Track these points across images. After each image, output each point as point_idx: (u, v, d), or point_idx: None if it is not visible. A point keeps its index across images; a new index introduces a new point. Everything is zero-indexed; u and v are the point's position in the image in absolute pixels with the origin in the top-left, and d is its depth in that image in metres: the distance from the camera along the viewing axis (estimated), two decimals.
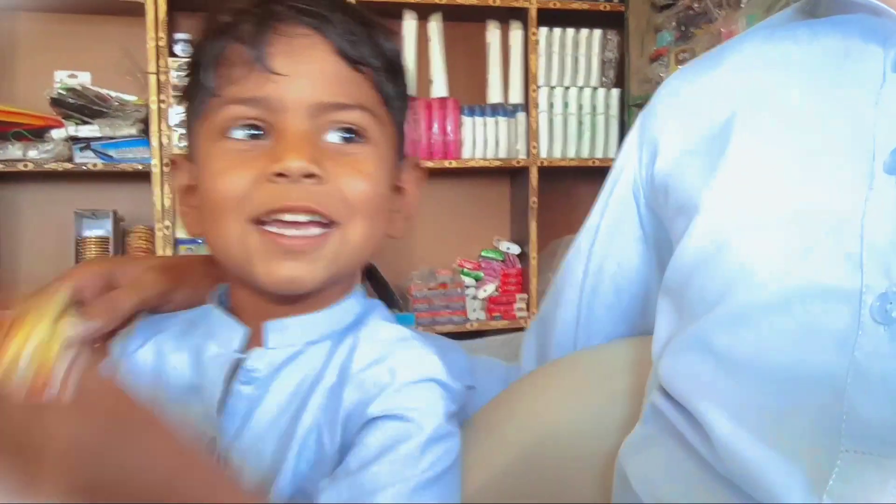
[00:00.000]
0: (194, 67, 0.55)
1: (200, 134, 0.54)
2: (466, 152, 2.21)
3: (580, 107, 2.30)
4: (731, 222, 0.51)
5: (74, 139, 1.94)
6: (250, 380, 0.54)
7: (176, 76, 1.93)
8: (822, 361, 0.46)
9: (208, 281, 0.61)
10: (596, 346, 0.70)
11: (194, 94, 0.55)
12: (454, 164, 2.19)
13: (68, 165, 1.94)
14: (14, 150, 1.91)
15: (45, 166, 1.92)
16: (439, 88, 2.20)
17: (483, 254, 2.33)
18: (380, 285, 2.64)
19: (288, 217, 0.51)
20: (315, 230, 0.52)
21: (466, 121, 2.21)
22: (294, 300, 0.54)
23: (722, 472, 0.49)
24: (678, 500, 0.52)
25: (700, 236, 0.53)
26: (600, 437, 0.63)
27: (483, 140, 2.22)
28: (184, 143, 0.58)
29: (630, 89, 2.34)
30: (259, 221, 0.51)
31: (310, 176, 0.50)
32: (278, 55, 0.52)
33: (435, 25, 2.19)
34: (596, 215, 0.69)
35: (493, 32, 2.26)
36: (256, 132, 0.52)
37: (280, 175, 0.50)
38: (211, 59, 0.53)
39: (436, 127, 2.18)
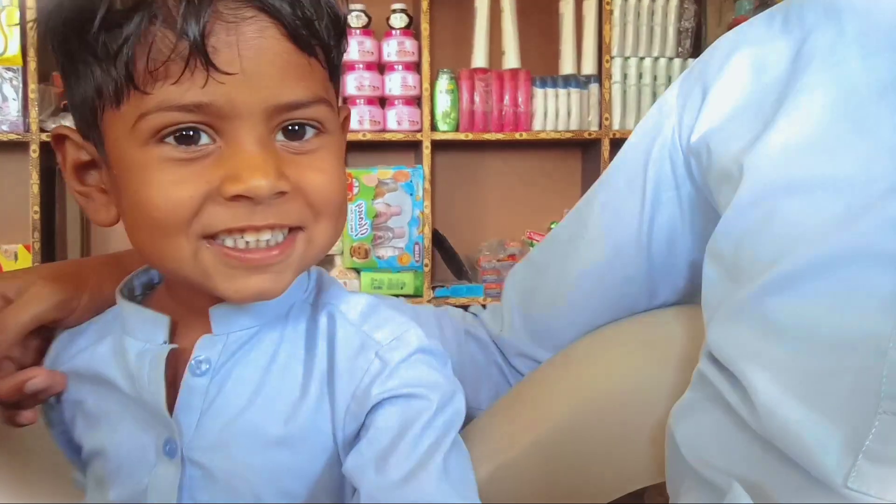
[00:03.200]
0: (85, 34, 0.44)
1: (113, 124, 0.46)
2: (538, 124, 2.21)
3: (655, 78, 2.25)
4: (779, 188, 0.52)
5: None
6: (202, 371, 0.50)
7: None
8: (865, 324, 0.46)
9: (111, 282, 0.56)
10: (648, 312, 0.70)
11: (89, 69, 0.45)
12: (525, 136, 2.19)
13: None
14: None
15: None
16: (511, 60, 2.20)
17: (553, 226, 2.32)
18: (448, 255, 2.70)
19: (250, 238, 0.46)
20: (278, 237, 0.47)
21: (538, 92, 2.20)
22: None
23: (764, 435, 0.50)
24: (723, 465, 0.53)
25: (747, 204, 0.53)
26: (654, 404, 0.64)
27: (555, 112, 2.21)
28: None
29: None
30: (212, 237, 0.46)
31: (277, 194, 0.45)
32: (222, 47, 0.43)
33: None
34: (626, 175, 0.68)
35: (566, 3, 2.23)
36: (200, 140, 0.45)
37: (240, 197, 0.44)
38: (125, 37, 0.43)
39: (507, 99, 2.18)
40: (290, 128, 0.47)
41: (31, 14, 1.95)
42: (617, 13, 2.21)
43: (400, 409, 0.49)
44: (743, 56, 0.60)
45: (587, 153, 2.37)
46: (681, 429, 0.58)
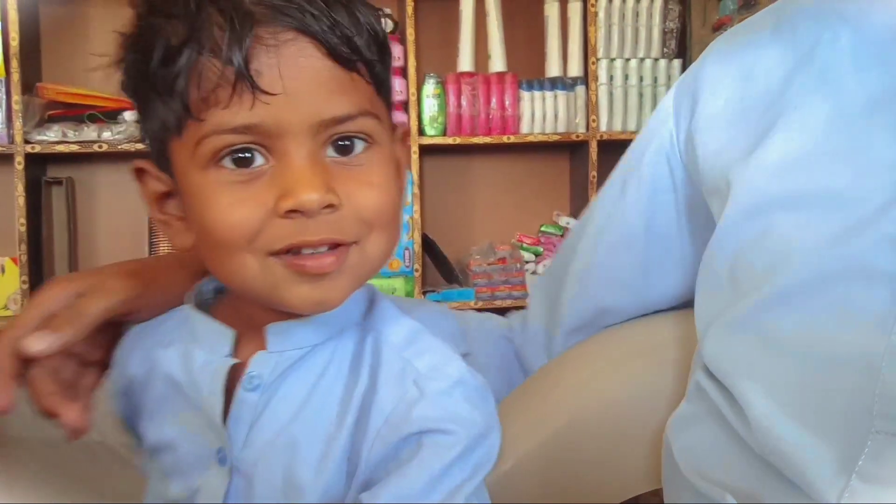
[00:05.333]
0: (150, 75, 0.47)
1: (178, 152, 0.49)
2: (525, 127, 2.21)
3: (641, 79, 2.26)
4: (774, 203, 0.51)
5: None
6: (254, 386, 0.52)
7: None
8: (859, 342, 0.46)
9: (181, 280, 0.59)
10: (644, 318, 0.70)
11: (155, 104, 0.48)
12: (512, 139, 2.19)
13: (140, 146, 2.01)
14: (89, 132, 1.99)
15: (119, 147, 2.00)
16: (497, 63, 2.20)
17: (542, 229, 2.33)
18: (439, 260, 2.70)
19: (308, 251, 0.47)
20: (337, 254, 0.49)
21: (525, 95, 2.20)
22: None
23: (757, 451, 0.50)
24: (719, 478, 0.53)
25: (742, 217, 0.53)
26: (649, 410, 0.64)
27: (542, 114, 2.21)
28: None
29: (692, 60, 2.28)
30: (277, 253, 0.48)
31: (327, 206, 0.47)
32: (265, 70, 0.45)
33: (492, 0, 2.19)
34: (622, 177, 0.68)
35: (551, 5, 2.24)
36: (254, 161, 0.47)
37: (294, 211, 0.46)
38: (178, 70, 0.46)
39: (494, 102, 2.19)
40: (339, 142, 0.48)
41: (12, 26, 1.93)
42: (602, 15, 2.22)
43: (430, 444, 0.49)
44: (732, 62, 0.59)
45: (575, 155, 2.37)
46: (678, 441, 0.58)
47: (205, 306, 0.57)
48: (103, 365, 0.59)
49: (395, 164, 0.52)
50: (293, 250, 0.47)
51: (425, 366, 0.51)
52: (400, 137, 0.55)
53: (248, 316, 0.53)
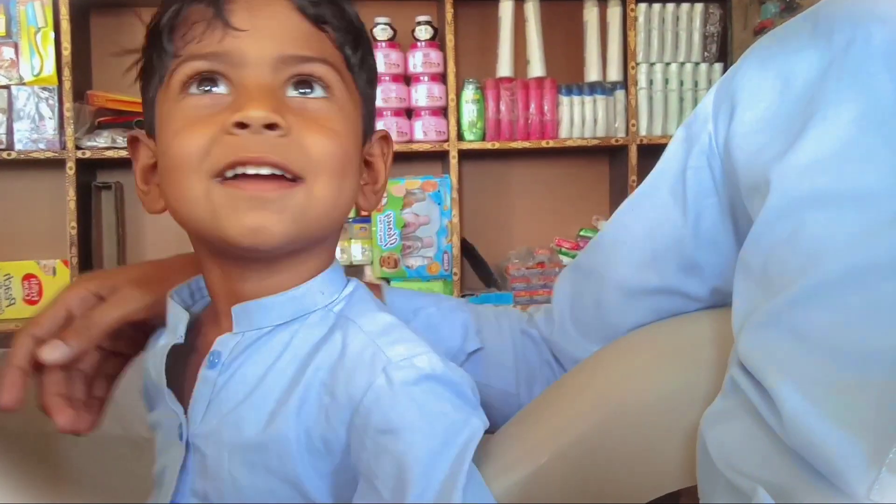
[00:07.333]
0: (153, 36, 0.53)
1: (161, 101, 0.53)
2: (564, 132, 2.21)
3: (681, 83, 2.25)
4: (806, 201, 0.52)
5: None
6: (213, 364, 0.54)
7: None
8: (889, 336, 0.46)
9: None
10: (679, 317, 0.70)
11: (154, 63, 0.54)
12: (552, 143, 2.20)
13: None
14: None
15: None
16: (536, 69, 2.21)
17: (581, 233, 2.32)
18: (477, 264, 2.71)
19: (251, 170, 0.49)
20: (279, 183, 0.50)
21: (564, 100, 2.21)
22: (262, 274, 0.53)
23: (790, 445, 0.50)
24: (752, 471, 0.53)
25: (775, 216, 0.54)
26: (685, 407, 0.64)
27: (581, 119, 2.21)
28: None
29: (733, 64, 2.27)
30: (222, 177, 0.49)
31: (271, 127, 0.49)
32: (238, 10, 0.51)
33: (531, 6, 2.20)
34: (659, 180, 0.69)
35: (590, 10, 2.24)
36: (216, 87, 0.51)
37: (240, 125, 0.49)
38: (170, 21, 0.52)
39: (532, 107, 2.19)
40: (299, 85, 0.52)
41: (65, 36, 2.00)
42: (641, 19, 2.21)
43: (400, 445, 0.47)
44: (771, 66, 0.60)
45: (614, 160, 2.37)
46: (712, 435, 0.58)
47: (201, 299, 0.60)
48: (129, 356, 0.63)
49: (357, 131, 0.55)
50: (236, 171, 0.49)
51: (397, 355, 0.49)
52: (379, 137, 0.59)
53: (220, 298, 0.56)
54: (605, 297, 0.72)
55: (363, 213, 2.11)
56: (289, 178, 0.50)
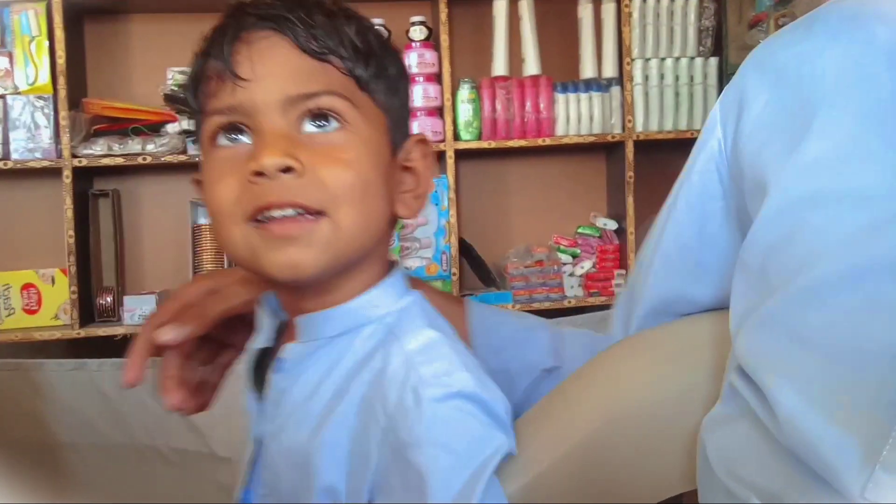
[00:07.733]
0: (186, 95, 0.59)
1: (202, 153, 0.57)
2: (560, 129, 2.21)
3: (676, 78, 2.25)
4: (805, 200, 0.52)
5: (187, 132, 2.06)
6: (278, 369, 0.59)
7: None
8: (886, 336, 0.46)
9: None
10: (679, 319, 0.71)
11: (195, 119, 0.59)
12: (548, 141, 2.20)
13: (182, 157, 2.06)
14: (133, 145, 2.04)
15: (162, 159, 2.04)
16: (531, 66, 2.21)
17: (579, 230, 2.32)
18: (476, 263, 2.71)
19: (276, 213, 0.52)
20: (304, 221, 0.53)
21: (559, 97, 2.20)
22: (316, 293, 0.56)
23: (785, 446, 0.50)
24: (749, 477, 0.53)
25: (774, 215, 0.54)
26: (684, 411, 0.64)
27: (577, 116, 2.21)
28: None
29: (728, 57, 2.27)
30: (255, 220, 0.53)
31: (286, 170, 0.52)
32: (243, 61, 0.53)
33: (526, 4, 2.19)
34: (679, 190, 0.69)
35: (585, 7, 2.24)
36: (241, 135, 0.54)
37: (258, 174, 0.52)
38: (192, 80, 0.57)
39: (528, 105, 2.19)
40: (315, 119, 0.54)
41: (59, 44, 1.99)
42: (636, 15, 2.21)
43: (421, 458, 0.49)
44: (770, 68, 0.60)
45: (611, 156, 2.37)
46: (711, 441, 0.58)
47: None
48: (241, 349, 0.69)
49: (379, 150, 0.57)
50: (263, 215, 0.52)
51: (429, 373, 0.52)
52: (416, 141, 0.61)
53: (292, 312, 0.60)
54: (636, 312, 0.74)
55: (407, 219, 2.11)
56: (311, 214, 0.53)
